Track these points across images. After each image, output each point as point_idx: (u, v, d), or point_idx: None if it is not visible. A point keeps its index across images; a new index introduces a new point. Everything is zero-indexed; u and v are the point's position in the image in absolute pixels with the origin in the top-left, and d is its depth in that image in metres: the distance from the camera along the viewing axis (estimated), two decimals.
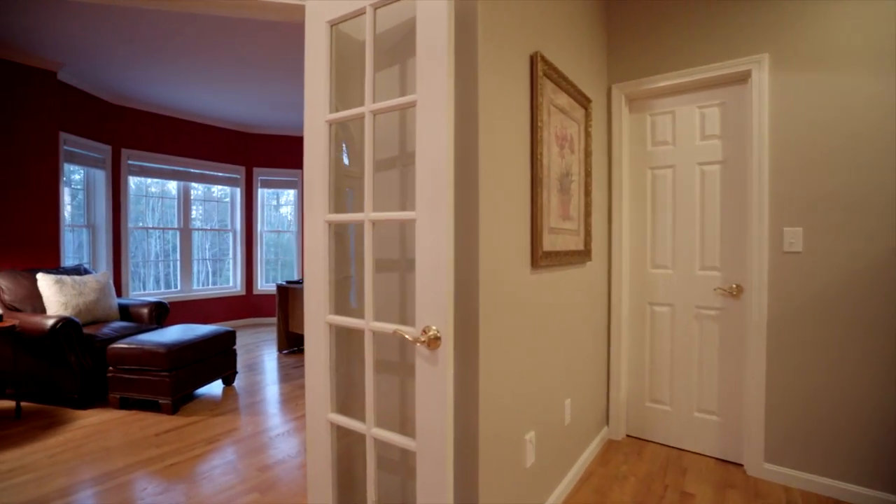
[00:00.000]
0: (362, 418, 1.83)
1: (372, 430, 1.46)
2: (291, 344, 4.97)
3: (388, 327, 1.38)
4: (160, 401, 3.13)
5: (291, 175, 6.64)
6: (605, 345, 2.74)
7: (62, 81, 4.40)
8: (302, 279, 5.29)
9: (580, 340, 2.35)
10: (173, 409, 3.15)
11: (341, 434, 1.84)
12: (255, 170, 6.49)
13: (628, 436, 2.81)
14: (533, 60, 1.79)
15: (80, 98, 4.63)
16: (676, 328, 2.63)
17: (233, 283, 6.48)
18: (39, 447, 2.65)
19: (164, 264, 5.87)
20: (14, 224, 3.89)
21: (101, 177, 4.95)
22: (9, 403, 3.33)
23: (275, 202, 6.85)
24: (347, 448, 1.84)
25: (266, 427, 2.96)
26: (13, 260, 3.88)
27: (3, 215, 3.82)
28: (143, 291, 5.61)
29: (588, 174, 2.35)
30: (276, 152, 6.57)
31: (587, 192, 2.35)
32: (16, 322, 3.00)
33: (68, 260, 4.58)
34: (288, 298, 4.90)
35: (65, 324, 3.15)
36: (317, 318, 1.58)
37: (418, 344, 1.30)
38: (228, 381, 3.78)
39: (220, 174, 6.19)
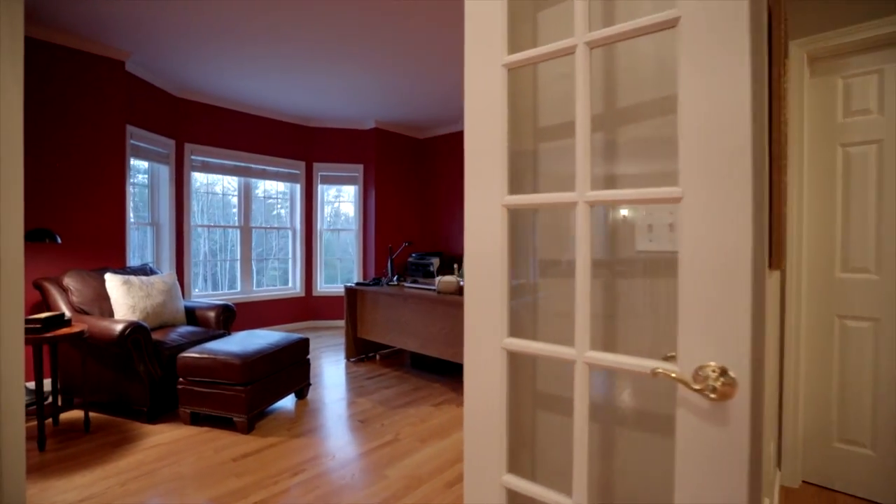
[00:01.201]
0: (532, 477, 1.38)
1: None
2: (360, 351, 4.60)
3: (637, 364, 0.90)
4: (234, 418, 2.80)
5: (352, 170, 6.32)
6: (776, 368, 2.18)
7: (129, 72, 4.20)
8: (368, 281, 4.94)
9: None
10: (248, 428, 2.81)
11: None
12: (316, 165, 6.21)
13: (805, 482, 2.24)
14: None
15: (145, 90, 4.43)
16: (883, 350, 2.04)
17: (291, 284, 6.22)
18: (111, 470, 2.34)
19: (221, 264, 5.66)
20: (81, 221, 3.69)
21: (164, 172, 4.76)
22: (78, 414, 3.09)
23: (325, 198, 6.55)
24: None
25: (355, 454, 2.56)
26: (80, 259, 3.68)
27: (70, 211, 3.63)
28: (199, 292, 5.41)
29: (780, 150, 1.81)
30: (337, 146, 6.27)
31: (778, 170, 1.81)
32: (84, 327, 2.74)
33: (132, 260, 4.38)
34: (356, 302, 4.54)
35: (133, 329, 2.87)
36: (486, 342, 1.13)
37: (695, 392, 0.82)
38: (302, 395, 3.43)
39: (281, 169, 5.94)
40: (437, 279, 3.72)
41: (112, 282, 3.24)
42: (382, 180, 6.32)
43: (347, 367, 4.32)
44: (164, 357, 3.05)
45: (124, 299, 3.23)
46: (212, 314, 3.74)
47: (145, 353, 2.94)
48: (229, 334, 3.70)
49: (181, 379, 2.91)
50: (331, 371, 4.20)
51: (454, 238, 6.45)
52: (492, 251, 1.15)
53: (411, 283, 4.37)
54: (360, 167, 6.31)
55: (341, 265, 6.57)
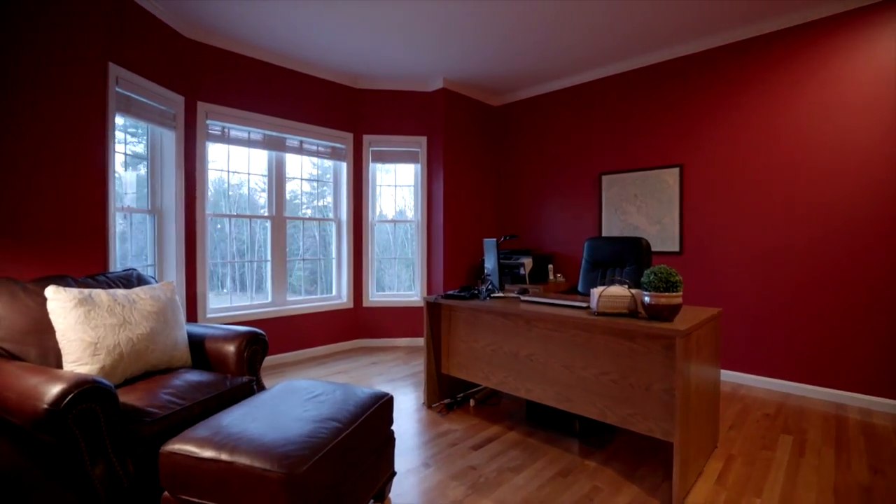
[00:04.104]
0: None
1: None
2: (443, 392, 3.16)
3: None
4: None
5: (412, 144, 4.88)
6: None
7: None
8: (458, 291, 3.50)
9: None
10: None
11: None
12: (366, 137, 4.81)
13: None
14: None
15: (140, 18, 3.09)
16: None
17: (336, 293, 4.83)
18: None
19: (241, 265, 4.31)
20: (32, 201, 2.35)
21: (169, 140, 3.42)
22: None
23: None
24: None
25: None
26: (24, 262, 2.34)
27: (12, 187, 2.29)
28: (212, 302, 4.07)
29: None
30: (393, 113, 4.84)
31: None
32: None
33: (120, 262, 3.05)
34: (440, 321, 3.09)
35: (80, 395, 1.49)
36: None
37: None
38: (382, 495, 2.00)
39: (323, 143, 4.55)
40: (596, 291, 2.23)
41: (57, 301, 1.87)
42: (452, 158, 4.86)
43: (432, 421, 2.87)
44: (142, 440, 1.66)
45: (78, 332, 1.85)
46: (231, 348, 2.34)
47: (106, 440, 1.56)
48: (260, 386, 2.30)
49: (167, 494, 1.51)
50: (410, 429, 2.75)
51: (544, 232, 4.94)
52: None
53: (522, 293, 2.90)
54: (423, 140, 4.87)
55: (394, 269, 5.15)
